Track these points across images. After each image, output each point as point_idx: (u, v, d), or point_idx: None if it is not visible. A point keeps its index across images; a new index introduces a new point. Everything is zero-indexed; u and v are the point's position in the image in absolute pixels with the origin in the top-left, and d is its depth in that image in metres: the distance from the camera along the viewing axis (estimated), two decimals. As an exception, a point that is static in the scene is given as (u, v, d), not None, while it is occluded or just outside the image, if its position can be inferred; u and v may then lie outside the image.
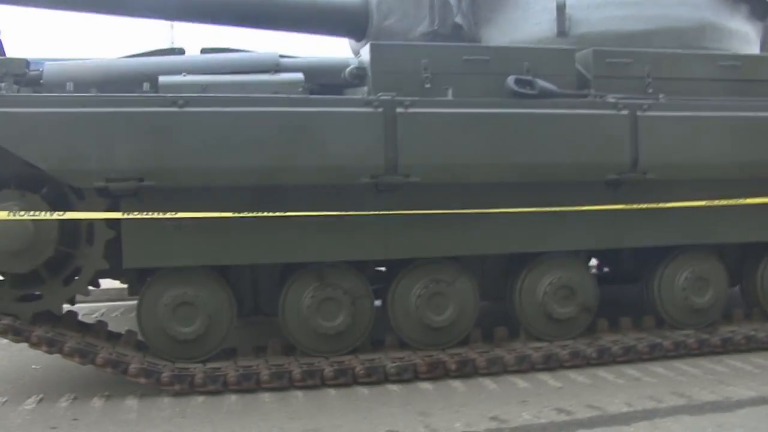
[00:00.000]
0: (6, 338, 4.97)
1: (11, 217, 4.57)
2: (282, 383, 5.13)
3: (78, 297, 5.34)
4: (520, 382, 5.29)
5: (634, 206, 5.50)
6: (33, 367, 5.84)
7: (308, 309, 5.30)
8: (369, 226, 5.24)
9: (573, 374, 5.43)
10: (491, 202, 5.33)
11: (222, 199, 4.95)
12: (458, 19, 6.46)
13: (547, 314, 5.70)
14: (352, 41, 7.02)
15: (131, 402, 4.95)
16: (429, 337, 5.55)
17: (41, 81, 5.20)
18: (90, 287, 5.18)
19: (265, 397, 5.02)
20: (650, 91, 5.65)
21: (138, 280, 5.49)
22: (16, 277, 4.95)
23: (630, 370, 5.50)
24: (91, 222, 4.94)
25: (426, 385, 5.22)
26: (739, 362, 5.70)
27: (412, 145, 5.07)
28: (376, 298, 5.59)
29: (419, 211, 5.22)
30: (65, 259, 5.02)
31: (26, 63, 5.03)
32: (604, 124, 5.39)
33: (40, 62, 5.36)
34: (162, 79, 5.16)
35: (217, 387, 5.06)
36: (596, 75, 5.64)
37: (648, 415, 4.59)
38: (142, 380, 4.98)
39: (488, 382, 5.28)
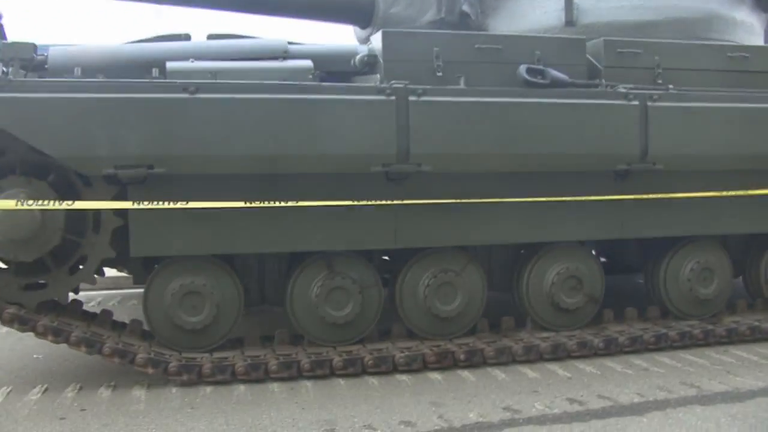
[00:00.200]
0: (11, 327, 4.88)
1: (20, 206, 4.48)
2: (291, 373, 5.09)
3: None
4: (529, 372, 5.28)
5: (644, 196, 5.51)
6: (35, 356, 5.76)
7: (317, 298, 5.26)
8: (378, 216, 5.21)
9: (581, 364, 5.43)
10: (501, 191, 5.31)
11: (231, 187, 4.90)
12: (465, 8, 6.42)
13: (555, 304, 5.70)
14: (357, 29, 6.96)
15: (138, 392, 4.89)
16: (437, 327, 5.54)
17: (46, 66, 5.10)
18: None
19: (274, 387, 4.98)
20: (659, 81, 5.64)
21: (143, 269, 5.42)
22: (21, 266, 4.86)
23: (637, 361, 5.51)
24: (97, 210, 4.86)
25: (435, 375, 5.20)
26: (744, 353, 5.73)
27: (425, 134, 5.03)
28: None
29: (430, 201, 5.19)
30: (71, 247, 4.94)
31: (34, 47, 4.93)
32: (614, 114, 5.37)
33: (42, 48, 5.25)
34: (170, 65, 5.09)
35: (225, 377, 5.01)
36: (607, 65, 5.62)
37: (660, 405, 4.60)
38: (150, 370, 4.92)
39: (497, 372, 5.26)
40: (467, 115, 5.09)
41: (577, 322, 5.80)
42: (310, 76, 5.23)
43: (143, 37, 5.64)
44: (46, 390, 4.95)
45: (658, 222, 5.72)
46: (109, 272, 6.86)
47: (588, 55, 5.66)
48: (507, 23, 6.48)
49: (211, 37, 5.71)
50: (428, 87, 5.06)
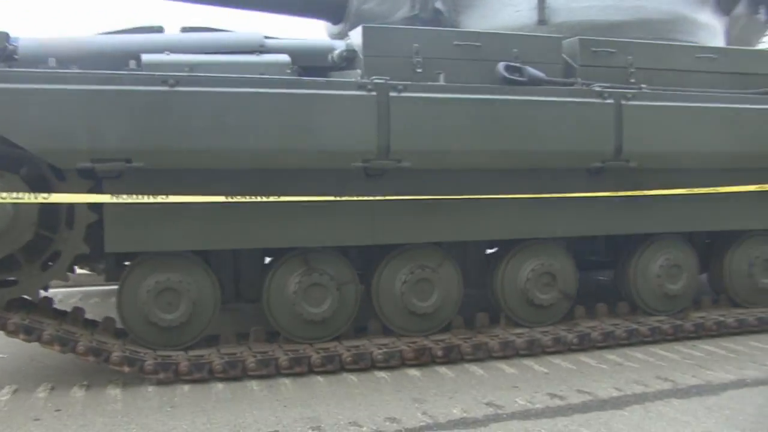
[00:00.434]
0: (-20, 326, 4.73)
1: (-7, 199, 4.34)
2: (269, 371, 5.03)
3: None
4: (506, 367, 5.31)
5: (620, 194, 5.59)
6: (0, 356, 5.58)
7: (294, 295, 5.21)
8: (356, 212, 5.18)
9: (556, 360, 5.49)
10: (478, 188, 5.33)
11: (209, 182, 4.82)
12: (438, 5, 6.43)
13: (529, 300, 5.75)
14: (329, 24, 6.92)
15: (114, 391, 4.78)
16: (413, 324, 5.53)
17: (16, 57, 4.94)
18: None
19: (253, 384, 4.92)
20: (632, 80, 5.74)
21: (116, 266, 5.30)
22: (-10, 262, 4.71)
23: (610, 356, 5.59)
24: (71, 205, 4.74)
25: (414, 372, 5.20)
26: (712, 347, 5.86)
27: (405, 130, 5.02)
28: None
29: (408, 197, 5.18)
30: (43, 243, 4.79)
31: (6, 37, 4.78)
32: (590, 112, 5.44)
33: (12, 39, 5.09)
34: (145, 57, 4.98)
35: (202, 375, 4.93)
36: (582, 64, 5.70)
37: (638, 399, 4.67)
38: (126, 369, 4.82)
39: (475, 368, 5.29)
40: (447, 111, 5.10)
41: (551, 318, 5.86)
42: (288, 71, 5.18)
43: (116, 28, 5.51)
44: (15, 391, 4.79)
45: (631, 219, 5.81)
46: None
47: (563, 54, 5.71)
48: (480, 21, 6.51)
49: (185, 29, 5.61)
50: (409, 83, 5.06)
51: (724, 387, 4.91)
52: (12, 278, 4.83)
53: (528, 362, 5.43)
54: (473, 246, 5.90)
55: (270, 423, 4.26)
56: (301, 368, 5.08)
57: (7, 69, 4.55)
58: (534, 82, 5.36)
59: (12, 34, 4.96)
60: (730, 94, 5.89)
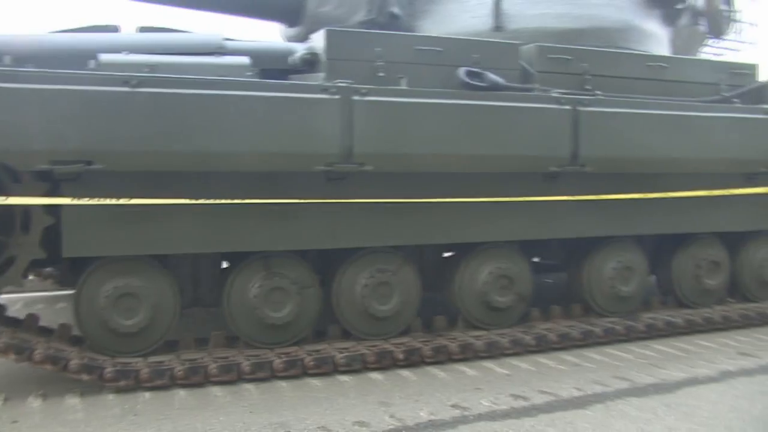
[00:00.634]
0: (-71, 334, 4.54)
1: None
2: (231, 376, 4.97)
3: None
4: (467, 370, 5.36)
5: (577, 198, 5.70)
6: (-55, 366, 5.37)
7: (255, 299, 5.16)
8: (317, 215, 5.16)
9: (515, 361, 5.56)
10: (439, 192, 5.37)
11: (169, 185, 4.74)
12: (395, 9, 6.45)
13: (486, 303, 5.81)
14: (284, 27, 6.87)
15: (73, 401, 4.64)
16: (374, 327, 5.53)
17: (-34, 54, 4.77)
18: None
19: (216, 390, 4.85)
20: (588, 87, 5.86)
21: (71, 271, 5.16)
22: (-60, 268, 4.54)
23: (568, 357, 5.70)
24: (27, 208, 4.59)
25: (376, 375, 5.20)
26: (663, 346, 6.03)
27: (368, 134, 5.02)
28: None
29: (368, 200, 5.20)
30: (-3, 247, 4.64)
31: (-41, 34, 4.61)
32: (548, 117, 5.53)
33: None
34: (103, 57, 4.86)
35: (164, 382, 4.84)
36: (539, 70, 5.79)
37: (599, 398, 4.77)
38: (84, 377, 4.69)
39: (437, 371, 5.32)
40: (410, 115, 5.12)
41: (507, 321, 5.93)
42: (249, 73, 5.12)
43: (69, 27, 5.37)
44: (-34, 402, 4.63)
45: (585, 223, 5.93)
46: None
47: (521, 61, 5.80)
48: (436, 26, 6.56)
49: (142, 29, 5.50)
50: (372, 87, 5.06)
51: (678, 385, 5.06)
52: (-38, 285, 4.66)
53: (488, 364, 5.49)
54: (431, 249, 5.94)
55: (238, 429, 4.21)
56: (264, 373, 5.03)
57: (-39, 67, 4.40)
58: (494, 87, 5.42)
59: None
60: (681, 101, 6.07)
